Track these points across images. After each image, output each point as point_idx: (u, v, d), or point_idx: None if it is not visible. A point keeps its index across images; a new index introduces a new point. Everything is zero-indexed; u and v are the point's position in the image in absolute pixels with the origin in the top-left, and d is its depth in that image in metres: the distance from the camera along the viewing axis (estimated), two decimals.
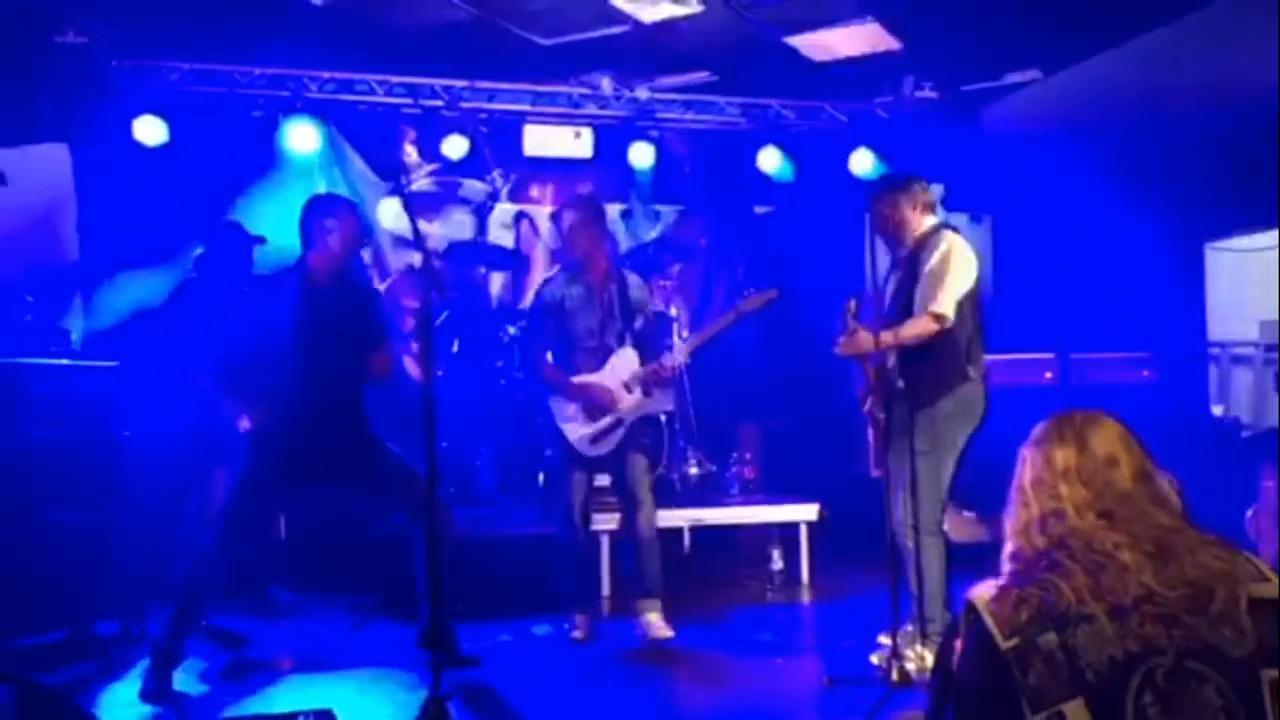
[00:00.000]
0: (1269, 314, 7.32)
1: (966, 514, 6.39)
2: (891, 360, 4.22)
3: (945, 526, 5.50)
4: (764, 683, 4.04)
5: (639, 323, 4.83)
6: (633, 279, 4.93)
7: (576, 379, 4.74)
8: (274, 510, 4.23)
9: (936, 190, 7.67)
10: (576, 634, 4.80)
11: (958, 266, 4.02)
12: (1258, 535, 5.84)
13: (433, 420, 3.45)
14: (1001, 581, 1.94)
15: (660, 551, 4.83)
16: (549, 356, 4.88)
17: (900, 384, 4.16)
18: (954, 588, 4.60)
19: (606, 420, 4.69)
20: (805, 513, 5.91)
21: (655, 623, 4.72)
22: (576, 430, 4.73)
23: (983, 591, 1.92)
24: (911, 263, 4.16)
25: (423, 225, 6.88)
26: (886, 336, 4.02)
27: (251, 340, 4.23)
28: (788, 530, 5.98)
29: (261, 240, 5.58)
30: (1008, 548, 2.06)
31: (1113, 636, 1.79)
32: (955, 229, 4.30)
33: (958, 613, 2.09)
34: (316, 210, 4.32)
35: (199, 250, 5.64)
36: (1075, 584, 1.85)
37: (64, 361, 4.98)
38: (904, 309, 4.15)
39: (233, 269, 5.38)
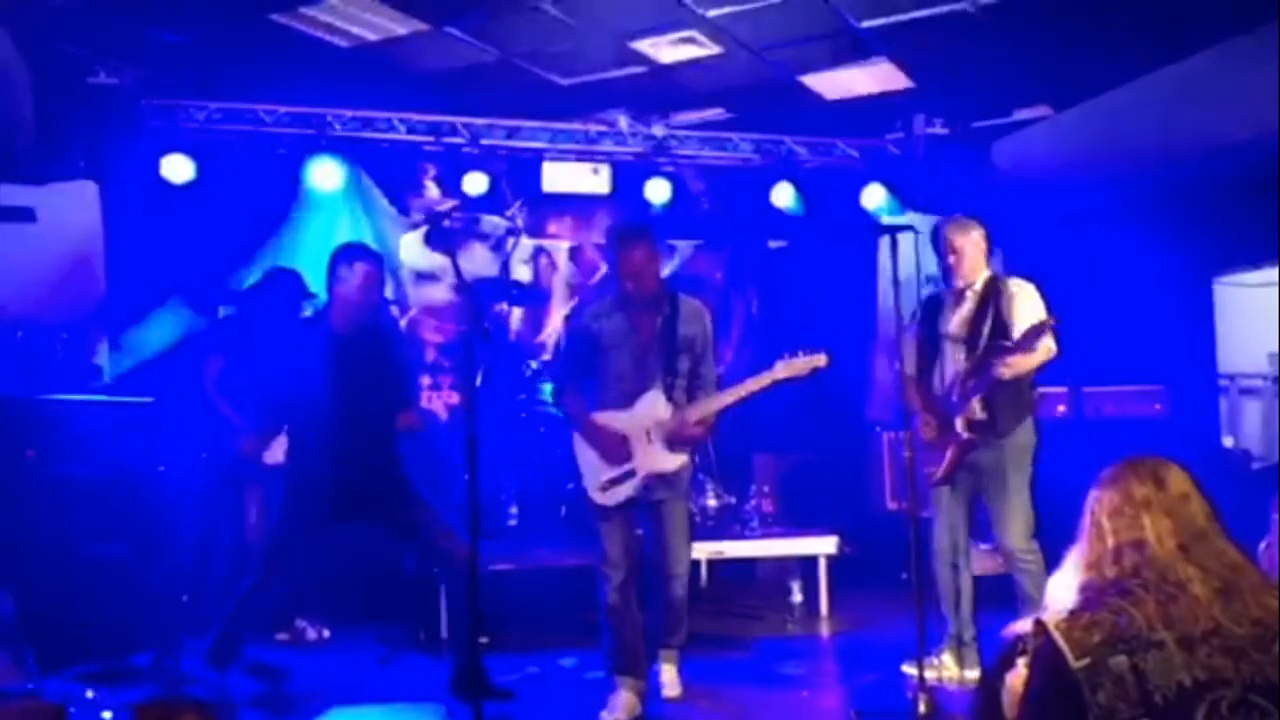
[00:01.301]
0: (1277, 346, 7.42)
1: (984, 546, 6.47)
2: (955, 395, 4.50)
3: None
4: (790, 716, 4.08)
5: (684, 363, 4.32)
6: (688, 305, 4.37)
7: (598, 417, 4.33)
8: (310, 548, 4.31)
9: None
10: (616, 714, 4.19)
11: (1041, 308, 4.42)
12: (1270, 567, 5.92)
13: (475, 464, 3.53)
14: (1074, 606, 2.02)
15: (686, 603, 4.46)
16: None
17: (981, 416, 4.43)
18: (979, 618, 4.73)
19: (620, 469, 4.26)
20: (825, 545, 5.99)
21: (667, 681, 4.50)
22: (592, 472, 4.34)
23: (1055, 615, 2.00)
24: (987, 300, 4.48)
25: (443, 260, 7.12)
26: (1005, 371, 4.34)
27: (288, 383, 4.36)
28: (807, 563, 6.05)
29: (314, 296, 5.63)
30: (1078, 579, 2.10)
31: (1181, 664, 1.87)
32: None
33: (1001, 643, 2.17)
34: (335, 259, 4.45)
35: (250, 282, 5.72)
36: (1146, 611, 1.93)
37: (100, 398, 5.08)
38: (975, 342, 4.46)
39: (281, 314, 5.44)
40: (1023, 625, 2.10)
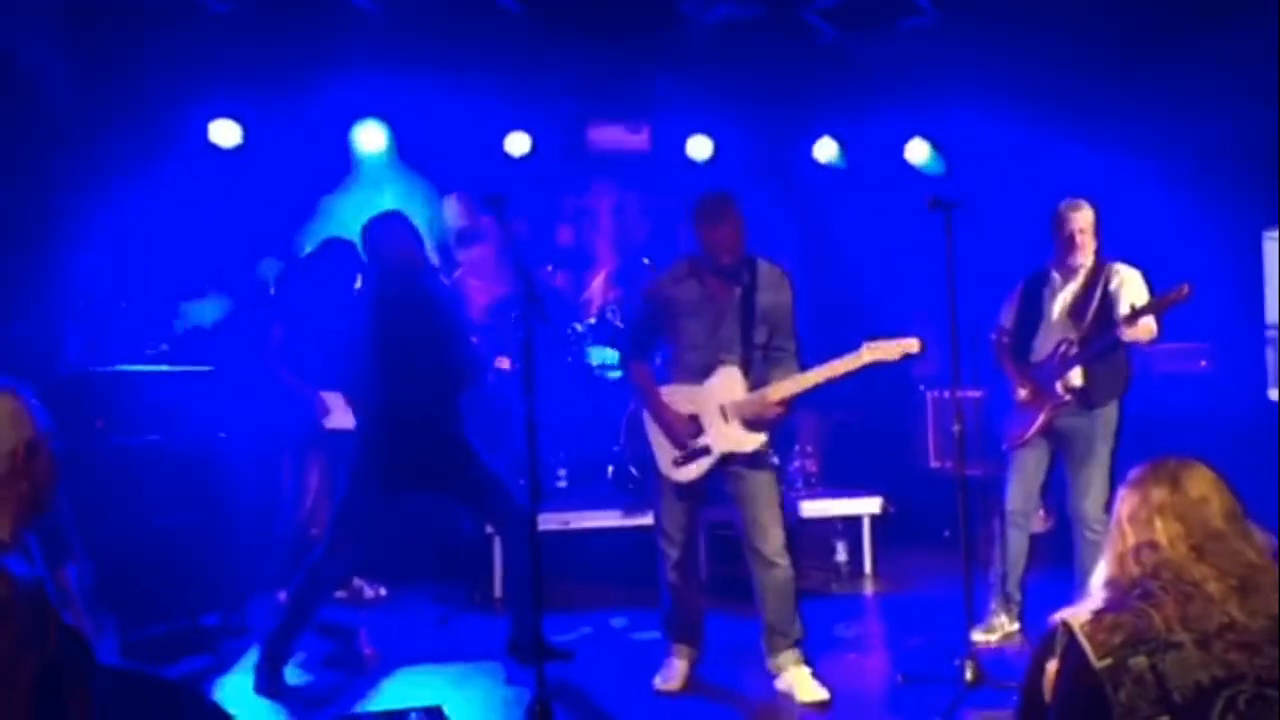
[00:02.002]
0: None
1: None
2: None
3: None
4: (837, 679, 4.14)
5: (761, 334, 4.09)
6: (769, 272, 4.13)
7: (667, 392, 4.15)
8: (377, 516, 4.42)
9: None
10: (670, 681, 4.24)
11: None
12: None
13: (534, 444, 3.62)
14: (1097, 606, 2.10)
15: (796, 592, 4.19)
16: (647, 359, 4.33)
17: (1079, 384, 4.66)
18: (1031, 576, 4.88)
19: (691, 447, 4.09)
20: (869, 506, 6.08)
21: (798, 684, 4.07)
22: (663, 448, 4.17)
23: (1079, 615, 2.08)
24: (1095, 282, 4.72)
25: (485, 220, 7.18)
26: (1127, 334, 4.55)
27: (345, 351, 4.46)
28: (851, 523, 6.14)
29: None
30: (1104, 574, 2.19)
31: (1198, 663, 1.95)
32: None
33: (1043, 631, 2.25)
34: (371, 227, 4.47)
35: (306, 251, 5.81)
36: (1165, 613, 2.00)
37: (162, 368, 5.21)
38: (1083, 316, 4.69)
39: (337, 282, 5.53)
40: (1061, 614, 2.18)
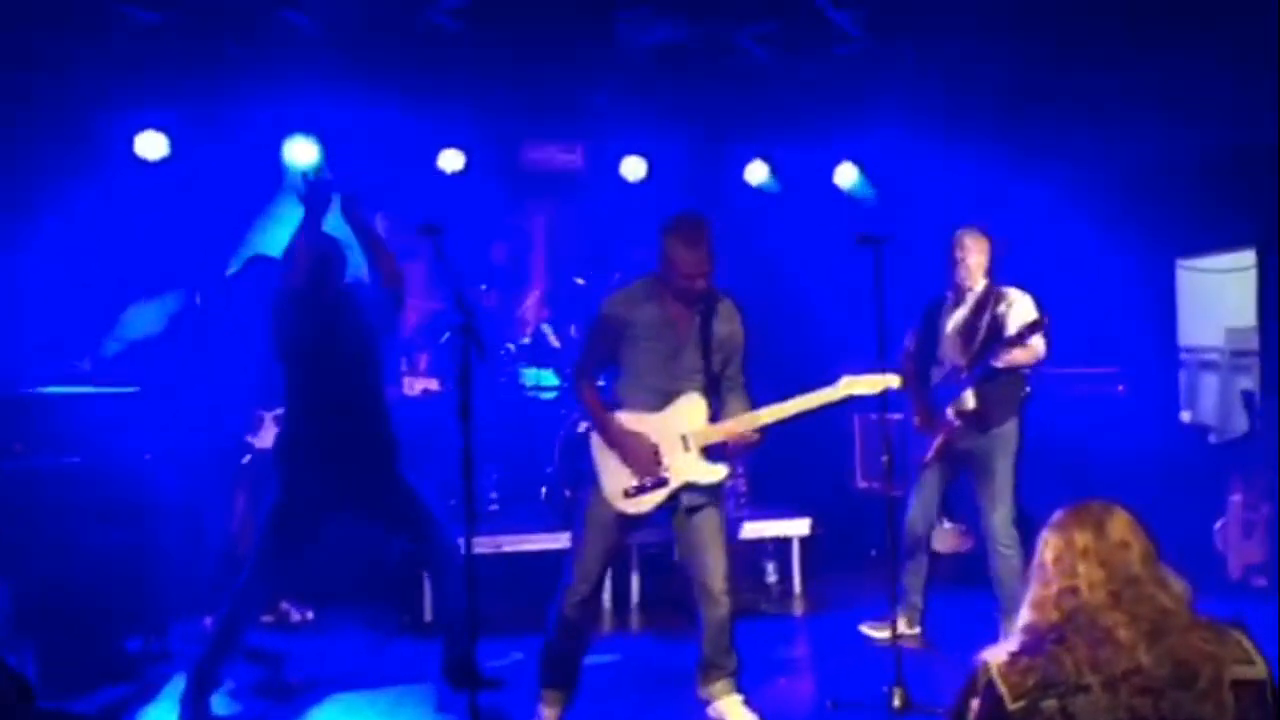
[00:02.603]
0: (1237, 321, 7.65)
1: (948, 525, 6.67)
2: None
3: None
4: (768, 705, 4.18)
5: (717, 362, 3.99)
6: (724, 307, 4.02)
7: (625, 419, 3.96)
8: (304, 537, 4.35)
9: None
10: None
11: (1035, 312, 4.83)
12: (1225, 546, 6.17)
13: (470, 472, 3.61)
14: (1014, 649, 2.19)
15: (734, 628, 4.10)
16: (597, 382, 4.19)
17: (972, 406, 4.88)
18: (938, 599, 5.11)
19: (649, 478, 3.92)
20: (798, 527, 6.17)
21: (733, 714, 4.06)
22: (614, 476, 3.96)
23: (998, 657, 2.18)
24: (985, 305, 4.94)
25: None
26: (1000, 361, 4.80)
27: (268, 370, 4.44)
28: (781, 543, 6.22)
29: None
30: (1023, 619, 2.27)
31: (1105, 706, 2.07)
32: None
33: (968, 668, 2.32)
34: (288, 248, 4.41)
35: (232, 270, 5.76)
36: (1077, 657, 2.11)
37: (86, 389, 5.11)
38: (972, 339, 4.90)
39: (264, 300, 5.47)
40: (984, 654, 2.25)
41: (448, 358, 6.65)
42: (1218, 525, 6.20)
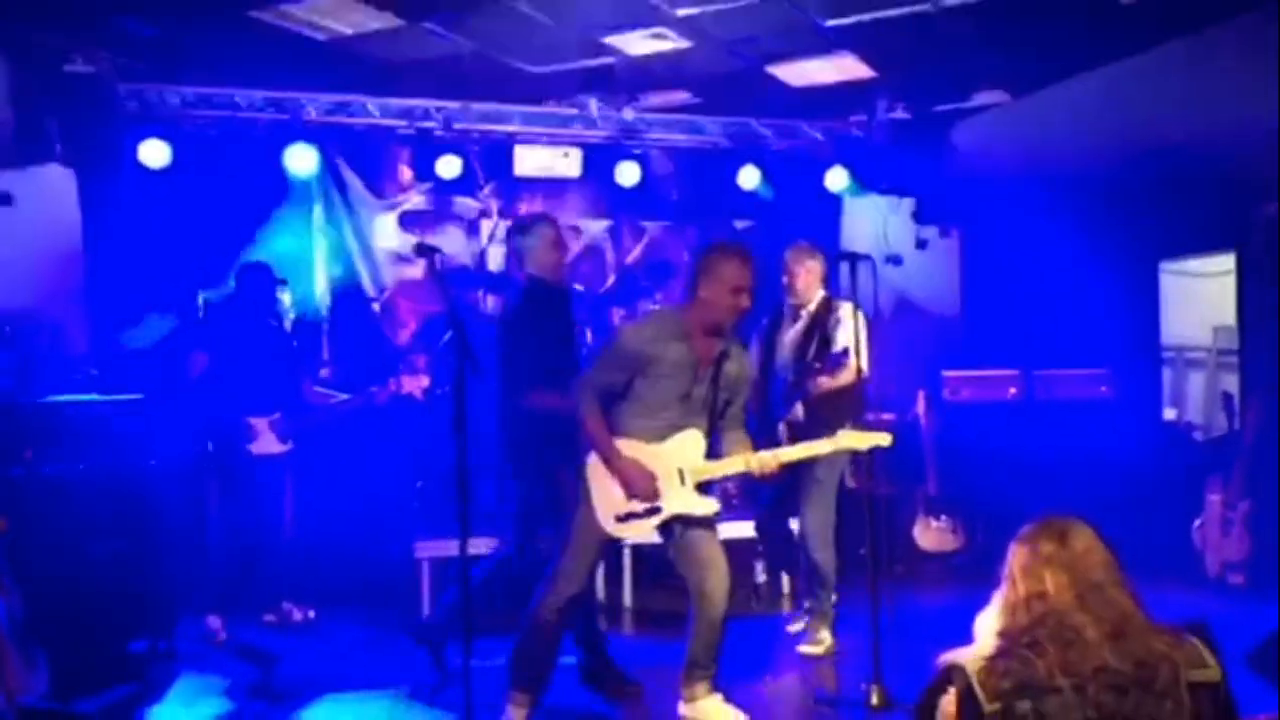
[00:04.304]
0: (1223, 320, 7.79)
1: (936, 523, 6.84)
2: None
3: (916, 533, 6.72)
4: (753, 701, 4.33)
5: (721, 402, 4.11)
6: (735, 349, 4.15)
7: (626, 448, 4.01)
8: None
9: (908, 204, 8.15)
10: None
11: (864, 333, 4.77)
12: (1203, 545, 6.31)
13: (465, 488, 3.73)
14: (989, 652, 2.33)
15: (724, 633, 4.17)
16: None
17: (800, 419, 5.12)
18: (929, 599, 5.18)
19: (643, 506, 4.01)
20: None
21: (713, 712, 4.15)
22: (607, 500, 4.02)
23: (974, 659, 2.31)
24: (817, 323, 5.15)
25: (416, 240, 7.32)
26: (815, 388, 5.06)
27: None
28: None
29: (284, 282, 5.89)
30: (997, 624, 2.41)
31: (1076, 705, 2.21)
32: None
33: (934, 670, 2.46)
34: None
35: (229, 285, 5.92)
36: (1049, 661, 2.25)
37: (92, 397, 5.25)
38: (803, 357, 5.13)
39: (260, 307, 5.69)
40: (953, 656, 2.38)
41: (445, 358, 6.79)
42: (1196, 524, 6.34)
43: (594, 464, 4.04)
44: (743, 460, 4.07)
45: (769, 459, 4.08)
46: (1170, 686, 2.22)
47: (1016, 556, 2.42)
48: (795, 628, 5.48)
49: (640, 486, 3.97)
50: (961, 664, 2.31)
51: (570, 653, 4.82)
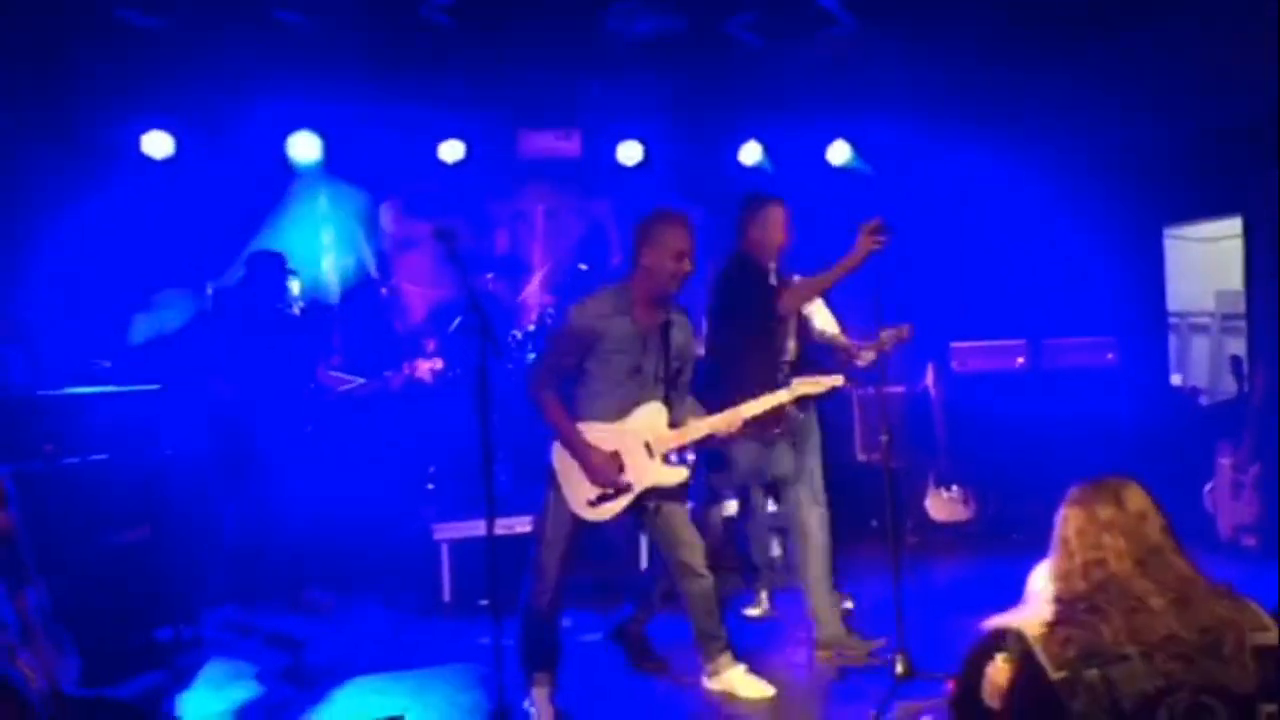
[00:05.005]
0: (1227, 284, 7.81)
1: (947, 493, 6.87)
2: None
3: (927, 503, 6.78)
4: (778, 672, 4.40)
5: (673, 371, 4.14)
6: (680, 318, 4.20)
7: (588, 428, 4.02)
8: None
9: None
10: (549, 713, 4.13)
11: None
12: (1215, 509, 6.36)
13: (489, 466, 3.75)
14: (1048, 618, 2.27)
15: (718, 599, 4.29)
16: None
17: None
18: (943, 569, 5.18)
19: (612, 486, 4.03)
20: None
21: (739, 682, 4.27)
22: (577, 485, 4.04)
23: (1033, 624, 2.25)
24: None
25: (422, 227, 7.34)
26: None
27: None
28: (783, 517, 6.37)
29: (294, 271, 5.91)
30: (1052, 590, 2.35)
31: (1144, 674, 2.15)
32: None
33: (979, 635, 2.42)
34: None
35: (240, 274, 5.93)
36: (1114, 626, 2.19)
37: (108, 388, 5.26)
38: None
39: (271, 295, 5.71)
40: (999, 620, 2.34)
41: (454, 342, 6.81)
42: (1208, 487, 6.38)
43: (559, 451, 4.08)
44: (707, 424, 4.11)
45: (732, 417, 4.11)
46: (1236, 652, 2.16)
47: (1070, 521, 2.35)
48: (754, 611, 5.58)
49: (602, 469, 4.00)
50: (1018, 629, 2.25)
51: (596, 629, 4.89)
